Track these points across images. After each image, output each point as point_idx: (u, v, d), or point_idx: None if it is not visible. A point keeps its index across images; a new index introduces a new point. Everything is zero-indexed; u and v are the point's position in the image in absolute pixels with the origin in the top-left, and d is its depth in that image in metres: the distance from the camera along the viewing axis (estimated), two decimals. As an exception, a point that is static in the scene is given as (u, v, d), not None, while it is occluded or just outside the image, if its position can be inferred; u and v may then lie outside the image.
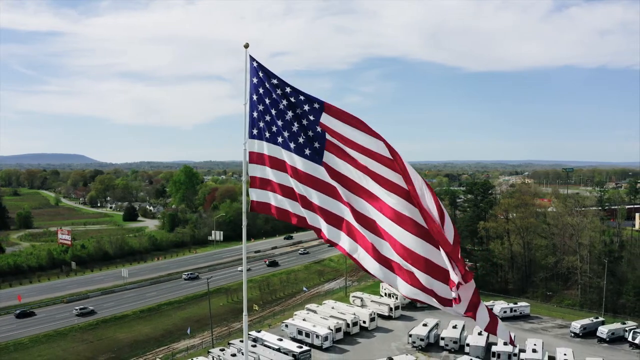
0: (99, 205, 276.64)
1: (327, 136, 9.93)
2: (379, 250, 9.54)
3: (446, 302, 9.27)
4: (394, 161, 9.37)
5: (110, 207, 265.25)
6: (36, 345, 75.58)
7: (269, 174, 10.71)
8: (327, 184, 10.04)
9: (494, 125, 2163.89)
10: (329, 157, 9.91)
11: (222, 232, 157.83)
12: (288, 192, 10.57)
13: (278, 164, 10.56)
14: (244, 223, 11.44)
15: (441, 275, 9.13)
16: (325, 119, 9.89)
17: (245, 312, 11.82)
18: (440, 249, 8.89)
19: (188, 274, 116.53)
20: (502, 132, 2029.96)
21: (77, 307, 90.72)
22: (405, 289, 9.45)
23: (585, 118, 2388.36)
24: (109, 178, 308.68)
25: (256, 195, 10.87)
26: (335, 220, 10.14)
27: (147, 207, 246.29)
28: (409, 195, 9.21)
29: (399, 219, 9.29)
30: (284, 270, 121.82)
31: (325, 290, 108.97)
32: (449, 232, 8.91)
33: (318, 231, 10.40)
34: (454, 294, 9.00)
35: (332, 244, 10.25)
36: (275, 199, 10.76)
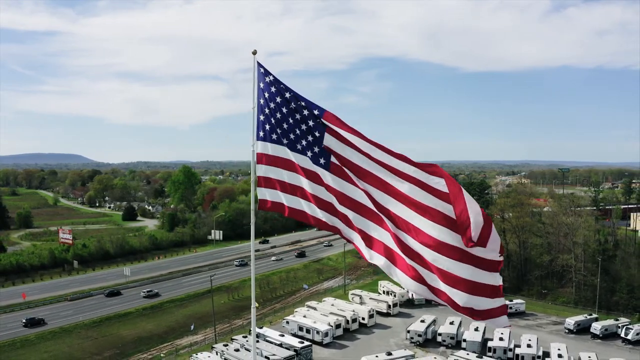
0: (97, 205, 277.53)
1: (325, 140, 10.69)
2: (420, 274, 10.08)
3: (483, 315, 9.97)
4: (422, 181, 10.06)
5: (109, 207, 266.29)
6: (42, 342, 77.00)
7: (276, 173, 11.34)
8: (332, 188, 10.79)
9: (491, 125, 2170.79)
10: (331, 158, 10.70)
11: (221, 232, 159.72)
12: (293, 190, 11.29)
13: (284, 164, 11.21)
14: (252, 220, 12.29)
15: (482, 291, 9.83)
16: (326, 128, 10.73)
17: (253, 305, 12.78)
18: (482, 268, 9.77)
19: (239, 261, 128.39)
20: (499, 132, 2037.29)
21: (144, 290, 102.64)
22: (444, 303, 10.14)
23: (583, 118, 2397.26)
24: (107, 178, 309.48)
25: (263, 194, 11.51)
26: (362, 232, 10.71)
27: (146, 207, 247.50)
28: (449, 221, 9.75)
29: (439, 245, 9.83)
30: (284, 269, 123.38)
31: (324, 288, 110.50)
32: (493, 248, 9.66)
33: (320, 222, 11.18)
34: (504, 301, 10.07)
35: (357, 249, 10.95)
36: (281, 197, 11.43)
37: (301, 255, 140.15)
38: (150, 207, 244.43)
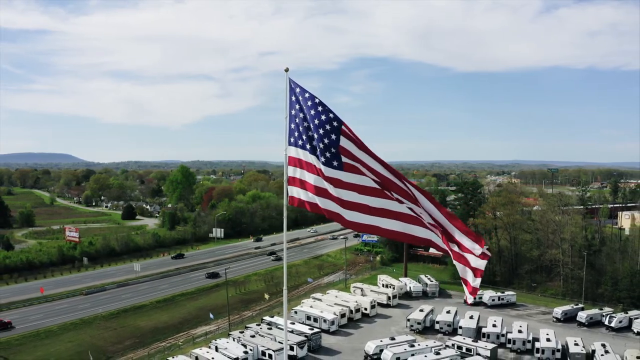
0: (94, 204, 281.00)
1: (341, 143, 12.48)
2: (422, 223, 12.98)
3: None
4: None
5: (106, 206, 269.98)
6: (65, 333, 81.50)
7: (301, 174, 13.03)
8: (348, 183, 12.63)
9: (482, 125, 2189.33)
10: (344, 160, 12.50)
11: (222, 230, 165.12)
12: (315, 189, 12.82)
13: (308, 166, 12.86)
14: (285, 214, 14.17)
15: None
16: (342, 132, 12.55)
17: (285, 287, 15.37)
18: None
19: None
20: (490, 132, 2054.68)
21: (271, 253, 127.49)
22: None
23: (574, 118, 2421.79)
24: (104, 178, 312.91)
25: (292, 192, 13.26)
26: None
27: (144, 206, 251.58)
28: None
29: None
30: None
31: (325, 282, 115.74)
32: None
33: (338, 217, 12.90)
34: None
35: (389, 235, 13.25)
36: (307, 195, 13.08)
37: (357, 235, 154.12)
38: (148, 207, 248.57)
